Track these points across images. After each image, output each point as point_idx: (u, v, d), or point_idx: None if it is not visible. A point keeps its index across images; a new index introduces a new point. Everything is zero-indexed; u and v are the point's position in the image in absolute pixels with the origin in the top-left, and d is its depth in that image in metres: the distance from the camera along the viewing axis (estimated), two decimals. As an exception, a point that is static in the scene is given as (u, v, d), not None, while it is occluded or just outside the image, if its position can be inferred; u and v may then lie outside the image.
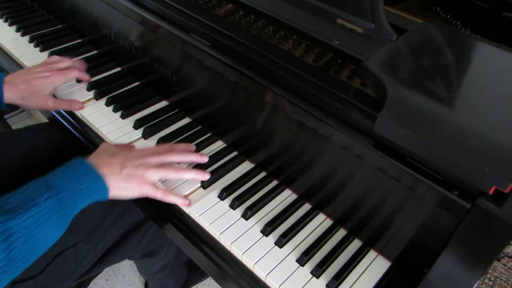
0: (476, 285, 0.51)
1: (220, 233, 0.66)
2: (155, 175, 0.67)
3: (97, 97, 0.89)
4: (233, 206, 0.70)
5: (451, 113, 0.54)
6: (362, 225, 0.66)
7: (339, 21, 0.67)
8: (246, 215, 0.69)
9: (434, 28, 0.69)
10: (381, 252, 0.66)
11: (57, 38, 1.06)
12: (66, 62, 0.88)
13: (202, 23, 0.74)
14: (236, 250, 0.65)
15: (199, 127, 0.84)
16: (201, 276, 1.33)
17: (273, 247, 0.66)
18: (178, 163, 0.76)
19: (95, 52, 1.03)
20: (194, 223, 0.69)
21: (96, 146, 0.73)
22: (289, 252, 0.65)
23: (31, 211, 0.54)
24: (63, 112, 0.88)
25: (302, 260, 0.64)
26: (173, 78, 0.84)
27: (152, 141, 0.81)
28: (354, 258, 0.65)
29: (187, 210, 0.70)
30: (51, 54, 1.00)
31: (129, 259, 0.99)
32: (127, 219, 0.84)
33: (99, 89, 0.90)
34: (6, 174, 0.81)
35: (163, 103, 0.90)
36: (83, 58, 0.99)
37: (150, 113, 0.87)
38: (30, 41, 1.04)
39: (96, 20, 0.95)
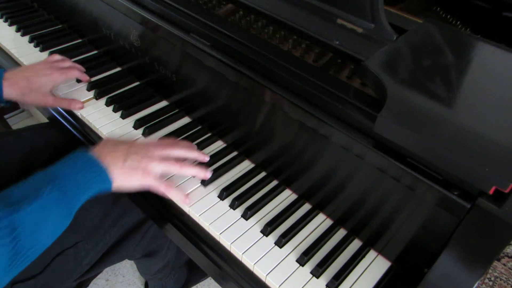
0: (476, 285, 0.51)
1: (220, 233, 0.66)
2: (159, 167, 0.67)
3: (97, 97, 0.89)
4: (233, 206, 0.70)
5: (451, 113, 0.54)
6: (362, 225, 0.66)
7: (339, 21, 0.67)
8: (246, 215, 0.69)
9: (434, 28, 0.69)
10: (381, 252, 0.66)
11: (57, 38, 1.06)
12: (67, 62, 0.90)
13: (202, 23, 0.74)
14: (236, 250, 0.65)
15: (199, 127, 0.84)
16: (201, 276, 1.33)
17: (273, 247, 0.66)
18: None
19: (95, 52, 1.03)
20: (194, 223, 0.69)
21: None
22: (289, 252, 0.65)
23: (36, 203, 0.53)
24: (63, 112, 0.88)
25: (302, 260, 0.64)
26: (173, 78, 0.84)
27: (152, 141, 0.81)
28: (354, 258, 0.65)
29: (187, 210, 0.70)
30: (51, 54, 1.00)
31: (129, 259, 0.99)
32: (127, 219, 0.84)
33: (99, 89, 0.90)
34: (6, 174, 0.81)
35: (163, 103, 0.90)
36: (83, 58, 1.00)
37: (150, 113, 0.87)
38: (30, 41, 1.04)
39: (96, 20, 0.96)
